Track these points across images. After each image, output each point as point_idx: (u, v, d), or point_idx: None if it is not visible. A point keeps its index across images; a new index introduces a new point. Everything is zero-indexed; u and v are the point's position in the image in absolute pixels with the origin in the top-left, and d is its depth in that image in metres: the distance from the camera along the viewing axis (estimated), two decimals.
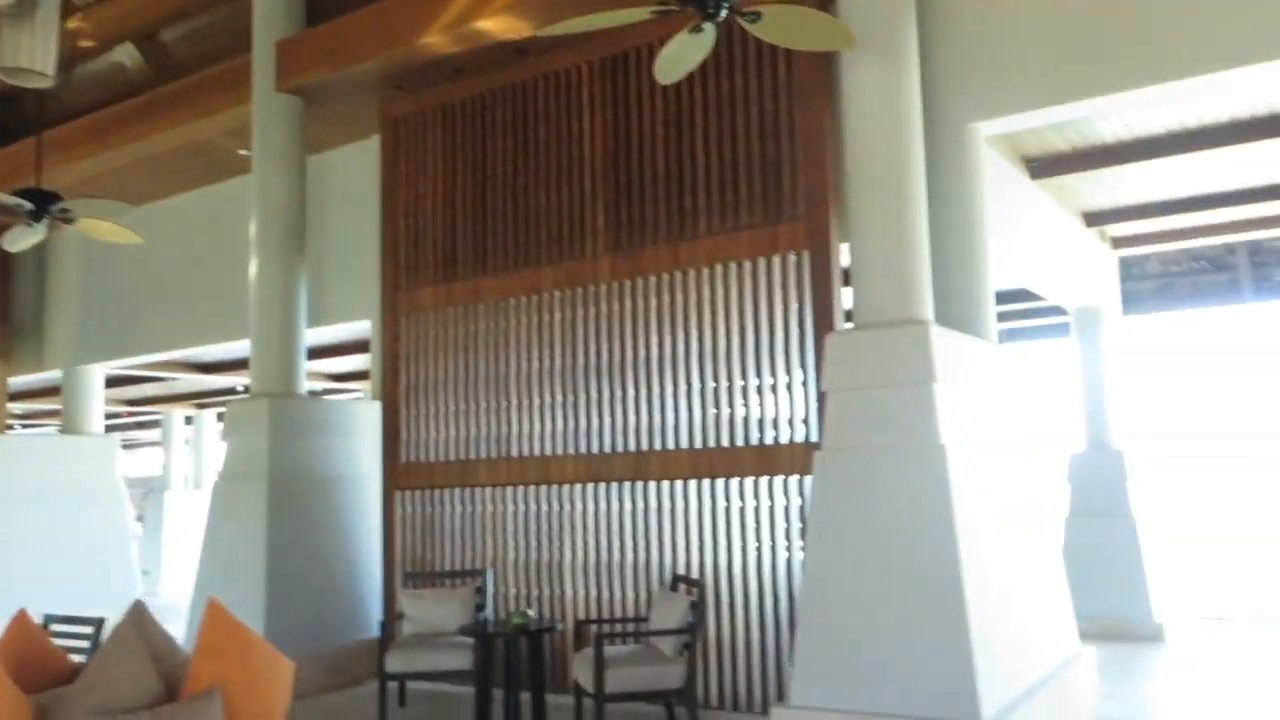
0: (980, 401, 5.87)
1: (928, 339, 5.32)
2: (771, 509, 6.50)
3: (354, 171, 9.37)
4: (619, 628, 6.64)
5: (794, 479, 6.41)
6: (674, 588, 6.41)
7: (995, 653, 5.08)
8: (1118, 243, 10.63)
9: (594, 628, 6.36)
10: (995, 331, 6.47)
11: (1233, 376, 32.15)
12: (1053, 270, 8.66)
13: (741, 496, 6.62)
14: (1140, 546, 9.65)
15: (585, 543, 7.23)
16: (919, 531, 5.14)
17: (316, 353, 12.21)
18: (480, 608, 7.07)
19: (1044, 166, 7.97)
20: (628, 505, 7.08)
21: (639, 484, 7.03)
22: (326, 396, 15.81)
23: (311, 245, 9.12)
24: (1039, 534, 6.24)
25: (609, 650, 6.00)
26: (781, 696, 6.17)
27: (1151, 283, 11.20)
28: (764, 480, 6.54)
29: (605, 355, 7.29)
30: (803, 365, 6.48)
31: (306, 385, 8.57)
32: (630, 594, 6.98)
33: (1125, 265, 11.02)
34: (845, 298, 6.45)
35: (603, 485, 7.19)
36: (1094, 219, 9.67)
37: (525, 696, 6.35)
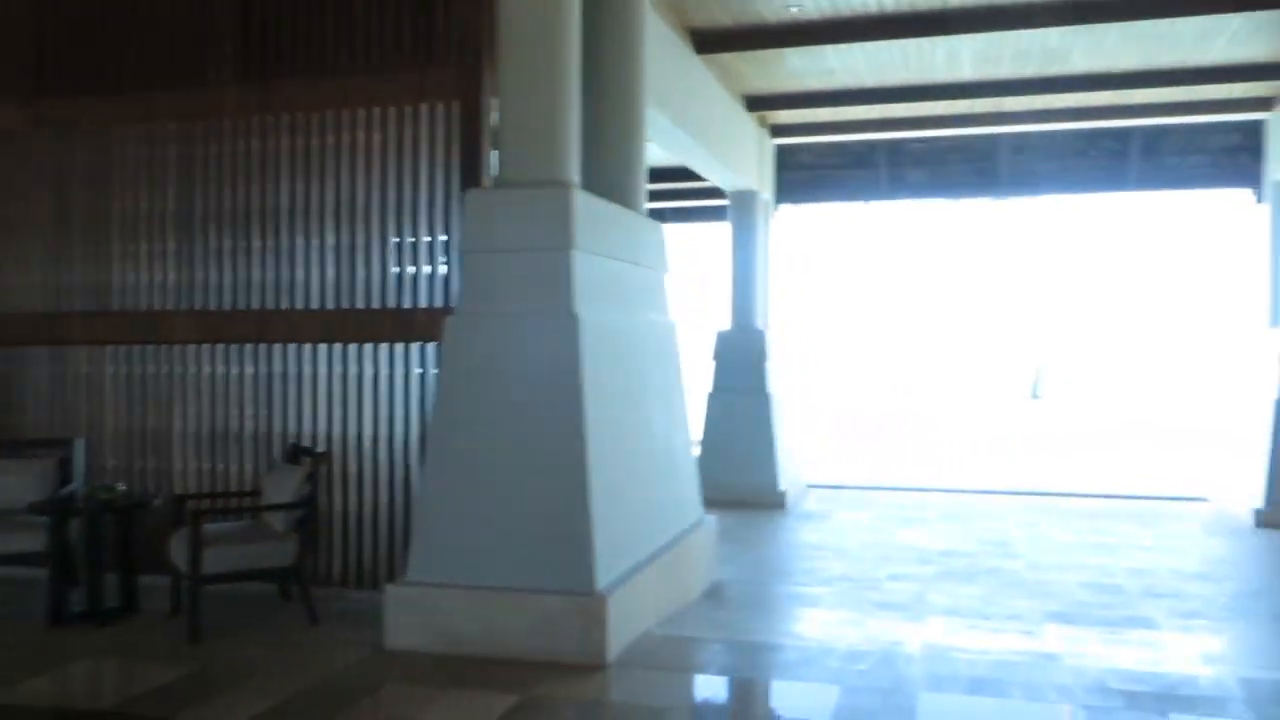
0: (621, 273, 5.75)
1: (569, 203, 5.06)
2: (407, 377, 6.11)
3: None
4: (224, 503, 6.04)
5: (432, 346, 6.03)
6: (293, 460, 5.89)
7: (615, 523, 5.08)
8: (776, 131, 10.98)
9: (192, 504, 5.70)
10: (645, 203, 6.36)
11: (875, 269, 35.50)
12: (712, 151, 8.73)
13: (375, 363, 6.17)
14: (772, 421, 10.30)
15: (198, 411, 6.48)
16: (546, 402, 4.97)
17: None
18: (66, 482, 6.17)
19: (708, 42, 7.90)
20: (248, 370, 6.40)
21: (262, 347, 6.36)
22: None
23: None
24: (671, 407, 6.32)
25: (214, 528, 5.43)
26: None
27: (804, 173, 11.73)
28: (400, 347, 6.11)
29: (228, 201, 6.46)
30: (447, 225, 6.05)
31: None
32: (249, 467, 6.36)
33: (782, 154, 11.44)
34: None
35: (220, 347, 6.45)
36: (755, 104, 9.86)
37: (114, 580, 5.64)
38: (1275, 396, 9.18)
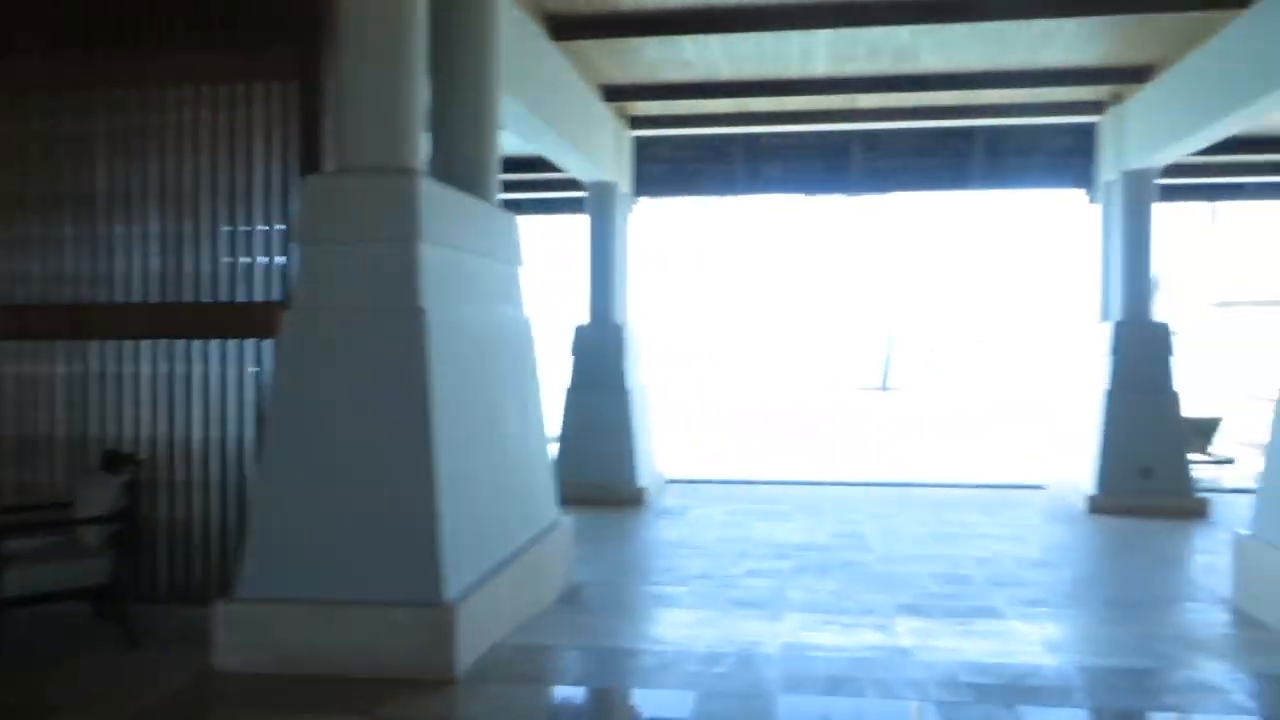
0: (472, 265, 5.49)
1: (414, 191, 4.78)
2: (240, 376, 5.69)
3: None
4: (29, 517, 5.47)
5: (268, 343, 5.63)
6: (111, 468, 5.39)
7: (465, 528, 4.84)
8: (635, 123, 10.86)
9: None
10: (498, 193, 6.11)
11: (732, 262, 36.01)
12: (568, 140, 8.52)
13: (205, 361, 5.72)
14: (631, 417, 10.18)
15: (1, 415, 5.89)
16: (390, 403, 4.68)
17: None
18: None
19: (564, 28, 7.69)
20: (59, 369, 5.85)
21: (76, 344, 5.82)
22: None
23: None
24: (525, 405, 6.11)
25: (16, 545, 4.89)
26: None
27: (662, 166, 11.65)
28: (232, 344, 5.69)
29: (37, 184, 5.90)
30: (284, 213, 5.66)
31: None
32: (61, 477, 5.81)
33: (641, 146, 11.32)
34: None
35: (29, 345, 5.87)
36: (612, 94, 9.70)
37: None
38: (1105, 388, 9.64)
